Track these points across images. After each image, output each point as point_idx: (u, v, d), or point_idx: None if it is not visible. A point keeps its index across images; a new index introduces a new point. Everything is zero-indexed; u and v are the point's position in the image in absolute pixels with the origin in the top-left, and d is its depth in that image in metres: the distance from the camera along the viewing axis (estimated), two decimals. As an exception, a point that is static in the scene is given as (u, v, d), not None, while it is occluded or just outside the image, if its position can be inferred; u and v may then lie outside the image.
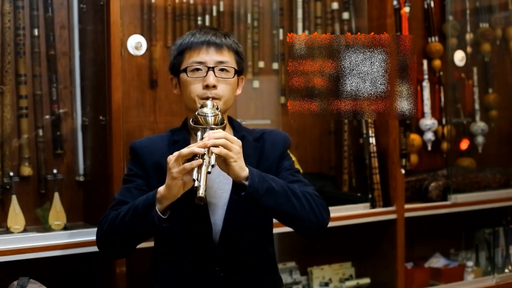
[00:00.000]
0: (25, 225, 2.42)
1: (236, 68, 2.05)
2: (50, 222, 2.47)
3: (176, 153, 1.82)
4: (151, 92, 2.76)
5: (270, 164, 2.06)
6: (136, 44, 2.55)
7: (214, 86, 1.98)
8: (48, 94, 2.55)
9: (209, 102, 1.95)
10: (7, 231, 2.39)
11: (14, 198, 2.42)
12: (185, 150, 1.80)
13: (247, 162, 1.92)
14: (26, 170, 2.47)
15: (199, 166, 1.77)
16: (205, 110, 1.92)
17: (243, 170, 1.85)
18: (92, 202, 2.57)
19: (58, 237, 2.34)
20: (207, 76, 1.98)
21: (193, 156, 1.80)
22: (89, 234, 2.34)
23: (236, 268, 2.01)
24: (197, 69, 2.01)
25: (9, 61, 2.44)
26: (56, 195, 2.50)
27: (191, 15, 2.80)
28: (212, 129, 1.88)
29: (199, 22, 2.81)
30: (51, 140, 2.55)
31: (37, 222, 2.51)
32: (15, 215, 2.41)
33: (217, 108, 1.95)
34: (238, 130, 2.10)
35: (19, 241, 2.27)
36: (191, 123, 1.92)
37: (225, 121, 1.98)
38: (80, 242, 2.35)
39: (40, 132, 2.52)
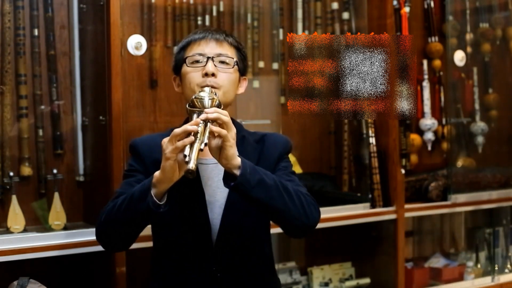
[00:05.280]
0: (25, 225, 2.42)
1: (236, 59, 2.04)
2: (50, 222, 2.47)
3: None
4: (151, 92, 2.76)
5: (269, 165, 2.04)
6: (136, 44, 2.55)
7: (213, 75, 1.98)
8: (48, 94, 2.55)
9: (207, 88, 1.95)
10: (7, 231, 2.39)
11: (14, 198, 2.42)
12: (178, 130, 1.78)
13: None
14: (26, 170, 2.47)
15: (192, 144, 1.74)
16: (202, 94, 1.90)
17: (235, 158, 1.82)
18: (92, 202, 2.57)
19: (58, 237, 2.34)
20: (206, 65, 1.99)
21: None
22: (89, 234, 2.34)
23: (233, 268, 2.00)
24: (197, 61, 2.01)
25: (9, 61, 2.44)
26: (56, 195, 2.49)
27: (191, 15, 2.80)
28: None
29: (199, 22, 2.81)
30: (51, 140, 2.55)
31: (37, 222, 2.51)
32: (15, 215, 2.41)
33: (215, 94, 1.94)
34: (238, 131, 2.08)
35: (19, 241, 2.27)
36: (187, 107, 1.90)
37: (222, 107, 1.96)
38: (80, 242, 2.35)
39: (40, 132, 2.52)
